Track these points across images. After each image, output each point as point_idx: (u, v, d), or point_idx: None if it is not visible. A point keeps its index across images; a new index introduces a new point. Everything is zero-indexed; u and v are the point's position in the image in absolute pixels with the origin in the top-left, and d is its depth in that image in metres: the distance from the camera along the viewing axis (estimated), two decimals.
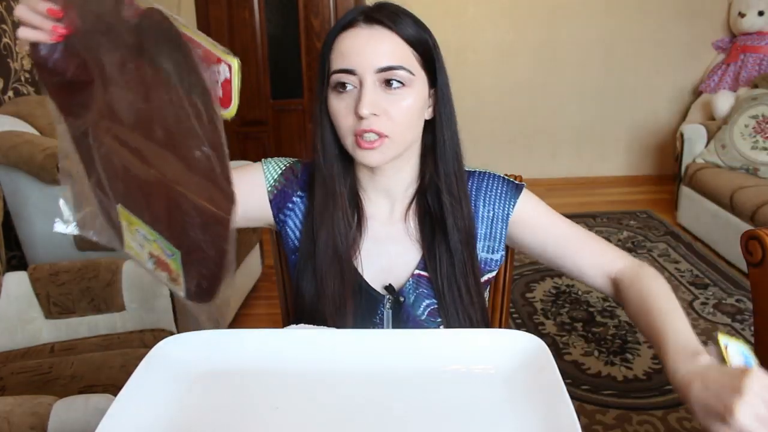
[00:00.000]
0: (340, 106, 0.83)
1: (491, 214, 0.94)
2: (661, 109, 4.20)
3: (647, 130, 4.22)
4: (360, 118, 0.81)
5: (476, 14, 3.96)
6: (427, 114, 0.89)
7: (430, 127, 0.90)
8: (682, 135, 3.50)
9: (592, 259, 0.93)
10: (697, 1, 3.99)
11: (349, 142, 0.85)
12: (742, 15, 3.79)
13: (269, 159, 0.97)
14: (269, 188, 0.94)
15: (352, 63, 0.81)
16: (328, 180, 0.90)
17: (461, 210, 0.90)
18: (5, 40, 2.39)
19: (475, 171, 0.96)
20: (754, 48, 3.78)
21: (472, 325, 0.91)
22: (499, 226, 0.94)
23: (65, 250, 2.06)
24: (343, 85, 0.82)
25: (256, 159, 3.41)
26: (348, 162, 0.91)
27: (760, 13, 3.73)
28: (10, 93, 2.42)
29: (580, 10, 3.97)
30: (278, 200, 0.94)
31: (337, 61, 0.82)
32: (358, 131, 0.82)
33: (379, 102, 0.81)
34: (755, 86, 3.49)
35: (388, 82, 0.82)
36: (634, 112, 4.21)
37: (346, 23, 0.83)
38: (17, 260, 2.24)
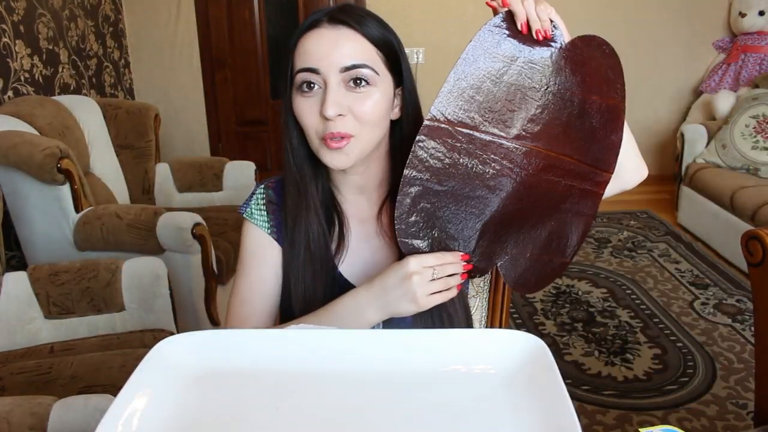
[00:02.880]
0: (305, 107, 0.83)
1: None
2: (662, 109, 4.20)
3: (647, 130, 4.21)
4: (325, 119, 0.81)
5: (476, 14, 3.96)
6: (393, 114, 0.89)
7: (397, 127, 0.91)
8: (682, 135, 3.50)
9: None
10: (698, 0, 3.99)
11: (315, 143, 0.85)
12: (742, 15, 3.79)
13: (247, 209, 0.96)
14: (269, 233, 0.95)
15: (316, 62, 0.81)
16: (300, 182, 0.90)
17: None
18: (5, 39, 2.39)
19: None
20: (755, 48, 3.78)
21: (452, 309, 0.91)
22: None
23: (65, 250, 2.06)
24: (309, 84, 0.82)
25: (256, 159, 3.37)
26: (319, 163, 0.91)
27: (761, 13, 3.73)
28: (10, 93, 2.42)
29: (580, 10, 3.97)
30: (280, 233, 0.95)
31: (301, 61, 0.82)
32: (325, 135, 0.82)
33: (344, 102, 0.81)
34: (756, 86, 3.49)
35: (353, 81, 0.82)
36: (634, 112, 4.18)
37: (310, 24, 0.84)
38: (17, 260, 2.23)
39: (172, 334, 0.79)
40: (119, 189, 2.65)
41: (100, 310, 1.75)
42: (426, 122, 0.76)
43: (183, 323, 2.09)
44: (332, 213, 0.94)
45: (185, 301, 2.11)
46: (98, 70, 3.34)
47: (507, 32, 0.76)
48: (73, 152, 2.08)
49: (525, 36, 0.77)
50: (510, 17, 0.77)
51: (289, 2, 3.94)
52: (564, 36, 0.78)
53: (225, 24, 3.92)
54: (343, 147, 0.83)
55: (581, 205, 0.85)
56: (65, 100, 2.50)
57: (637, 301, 2.66)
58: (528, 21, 0.76)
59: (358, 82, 0.82)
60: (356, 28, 0.82)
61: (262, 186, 0.98)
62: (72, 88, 2.97)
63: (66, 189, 2.00)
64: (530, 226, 0.84)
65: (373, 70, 0.82)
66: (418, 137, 0.77)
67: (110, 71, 3.51)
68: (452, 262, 0.81)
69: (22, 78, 2.51)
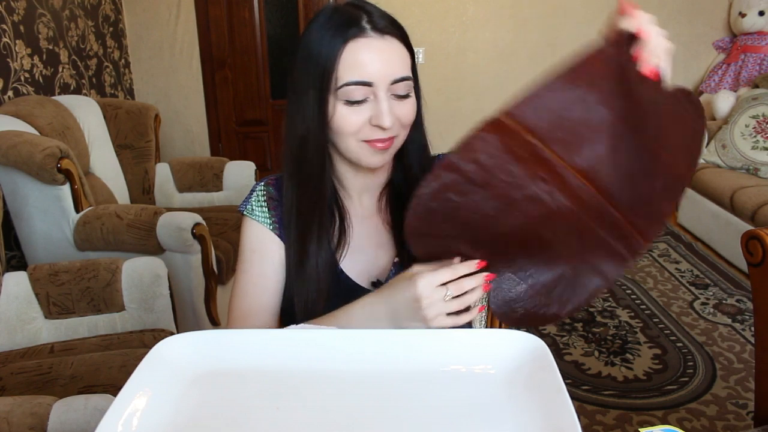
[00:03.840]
0: (352, 116, 0.83)
1: None
2: None
3: None
4: (376, 127, 0.83)
5: (476, 14, 3.96)
6: None
7: None
8: None
9: None
10: (698, 0, 3.99)
11: (353, 145, 0.85)
12: (742, 15, 3.79)
13: (247, 206, 0.97)
14: (271, 228, 0.95)
15: (369, 76, 0.81)
16: (316, 184, 0.90)
17: None
18: (5, 39, 2.39)
19: (441, 154, 0.99)
20: (755, 48, 3.78)
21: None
22: None
23: (65, 250, 2.06)
24: (359, 98, 0.82)
25: (256, 159, 3.38)
26: (327, 161, 0.91)
27: (761, 13, 3.73)
28: (10, 93, 2.42)
29: (580, 10, 3.97)
30: (282, 228, 0.95)
31: (351, 73, 0.81)
32: (374, 140, 0.84)
33: (395, 111, 0.83)
34: (756, 86, 3.49)
35: (399, 90, 0.83)
36: None
37: (355, 32, 0.81)
38: (17, 260, 2.24)
39: (172, 334, 0.79)
40: (119, 189, 2.65)
41: (100, 310, 1.75)
42: (497, 116, 0.68)
43: (183, 323, 2.09)
44: (334, 210, 0.94)
45: (185, 301, 2.12)
46: (98, 70, 3.34)
47: (618, 57, 0.68)
48: (73, 152, 2.08)
49: (632, 66, 0.68)
50: (629, 40, 0.67)
51: (289, 2, 3.94)
52: (668, 80, 0.70)
53: (225, 24, 3.92)
54: (388, 149, 0.86)
55: (605, 265, 0.77)
56: (65, 100, 2.51)
57: (637, 301, 2.66)
58: (648, 53, 0.67)
59: (403, 92, 0.84)
60: (398, 37, 0.84)
61: (262, 183, 0.98)
62: (72, 88, 2.98)
63: (66, 189, 2.01)
64: (544, 259, 0.78)
65: (412, 79, 0.85)
66: (480, 127, 0.69)
67: (110, 71, 3.52)
68: (467, 274, 0.75)
69: (22, 78, 2.51)
